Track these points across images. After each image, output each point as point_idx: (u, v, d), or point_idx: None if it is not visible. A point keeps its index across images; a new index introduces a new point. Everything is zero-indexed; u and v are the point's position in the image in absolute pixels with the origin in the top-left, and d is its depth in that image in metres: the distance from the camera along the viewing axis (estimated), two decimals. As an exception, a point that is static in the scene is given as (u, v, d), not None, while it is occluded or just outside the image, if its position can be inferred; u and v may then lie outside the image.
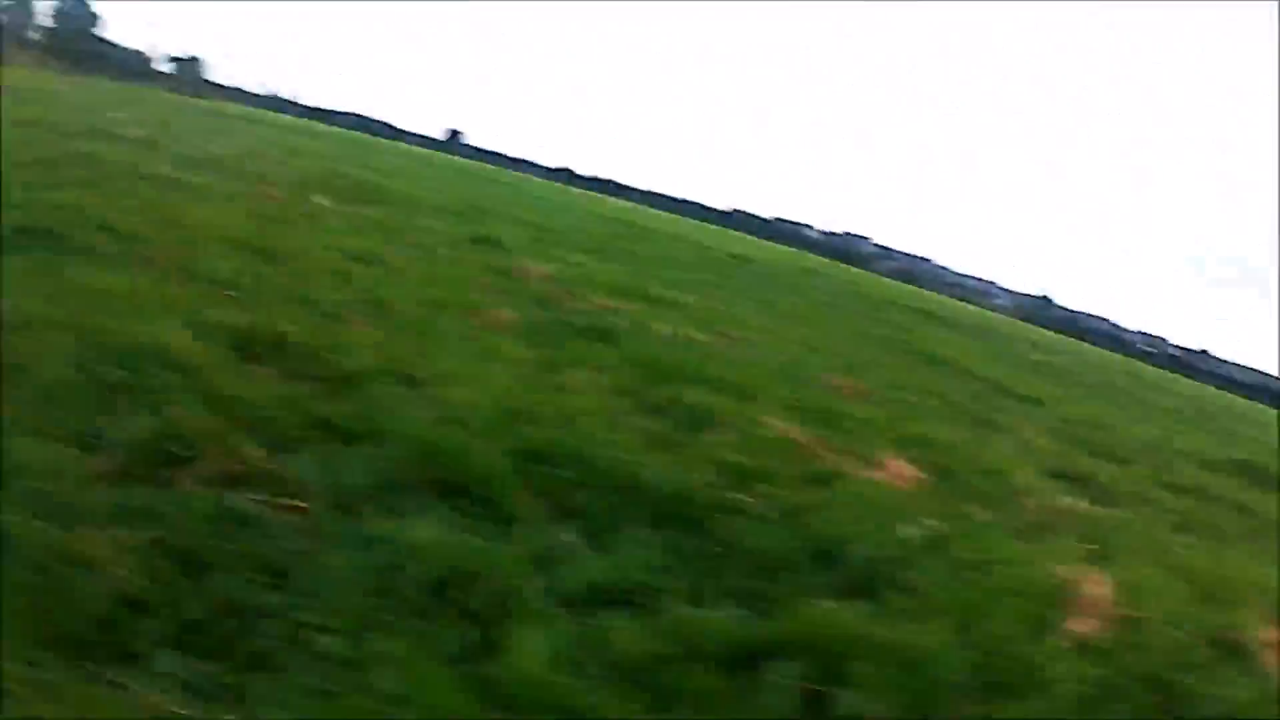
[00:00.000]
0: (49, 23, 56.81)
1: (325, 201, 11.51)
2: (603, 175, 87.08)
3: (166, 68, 63.00)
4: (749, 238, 53.64)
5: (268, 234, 8.24)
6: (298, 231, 9.13)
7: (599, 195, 66.83)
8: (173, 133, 16.71)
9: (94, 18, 58.81)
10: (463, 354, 5.86)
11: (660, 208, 76.80)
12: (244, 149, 16.55)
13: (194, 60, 64.78)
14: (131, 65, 56.24)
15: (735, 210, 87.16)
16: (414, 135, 79.66)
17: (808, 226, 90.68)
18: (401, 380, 4.71)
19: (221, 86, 61.61)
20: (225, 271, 6.43)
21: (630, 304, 9.76)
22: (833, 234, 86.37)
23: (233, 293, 5.97)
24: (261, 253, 7.43)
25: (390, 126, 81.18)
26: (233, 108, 43.30)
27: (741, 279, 19.55)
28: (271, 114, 50.44)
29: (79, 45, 53.65)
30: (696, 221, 62.83)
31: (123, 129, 14.83)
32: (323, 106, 72.43)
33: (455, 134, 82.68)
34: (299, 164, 17.11)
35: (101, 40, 58.20)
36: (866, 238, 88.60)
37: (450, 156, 64.15)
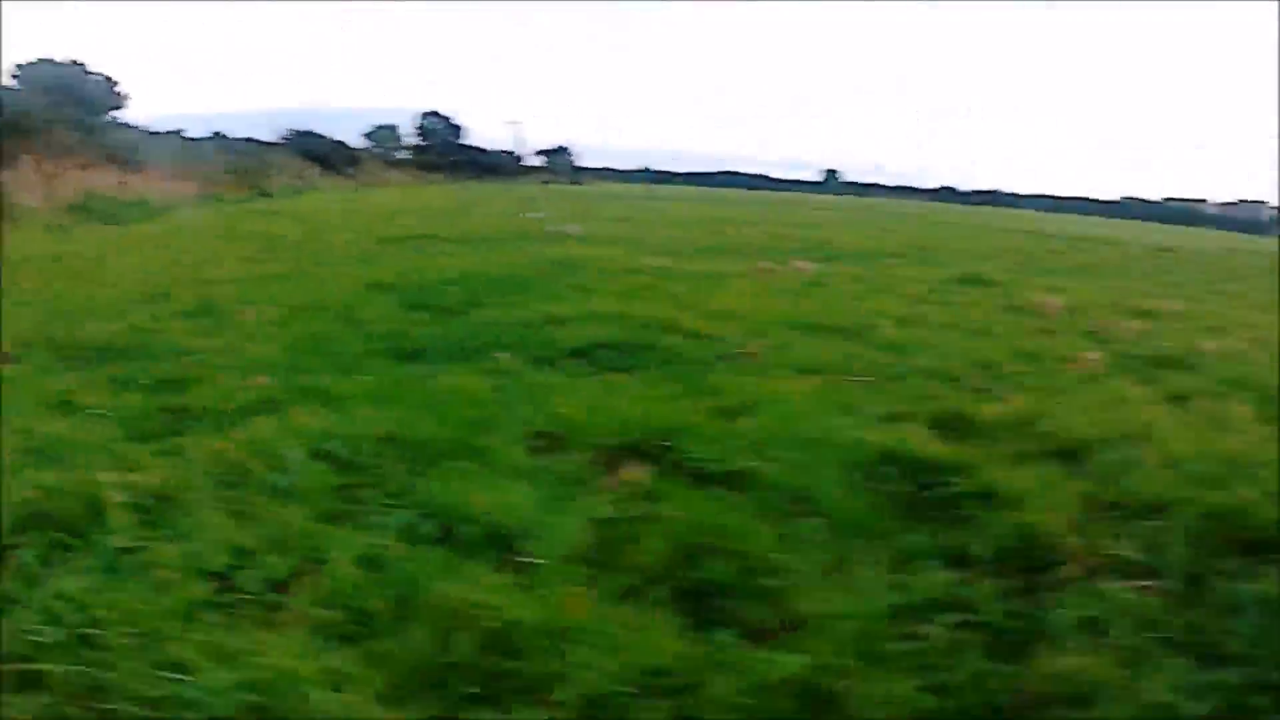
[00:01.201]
0: (416, 140, 64.93)
1: (807, 264, 11.46)
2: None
3: (536, 161, 69.32)
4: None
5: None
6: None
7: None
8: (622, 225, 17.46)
9: (456, 129, 66.39)
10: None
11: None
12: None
13: (561, 150, 71.30)
14: (503, 165, 62.81)
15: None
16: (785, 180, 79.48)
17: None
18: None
19: (590, 169, 67.12)
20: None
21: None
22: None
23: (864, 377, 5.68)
24: (839, 331, 7.18)
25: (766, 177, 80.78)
26: (615, 187, 45.97)
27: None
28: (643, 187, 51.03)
29: (449, 156, 60.87)
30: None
31: (557, 226, 15.71)
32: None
33: (832, 173, 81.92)
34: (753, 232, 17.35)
35: (466, 147, 65.44)
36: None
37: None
